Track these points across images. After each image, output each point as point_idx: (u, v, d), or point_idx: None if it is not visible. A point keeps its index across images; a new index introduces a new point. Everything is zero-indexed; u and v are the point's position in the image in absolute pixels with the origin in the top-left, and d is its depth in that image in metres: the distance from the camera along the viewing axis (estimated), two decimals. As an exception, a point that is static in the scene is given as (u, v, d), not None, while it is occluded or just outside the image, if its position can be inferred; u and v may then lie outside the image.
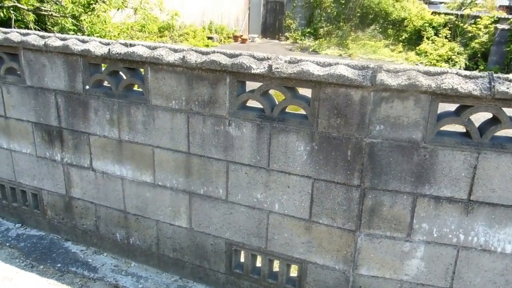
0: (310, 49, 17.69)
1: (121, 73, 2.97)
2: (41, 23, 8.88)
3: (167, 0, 10.62)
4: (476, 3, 18.86)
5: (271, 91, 2.64)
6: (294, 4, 20.52)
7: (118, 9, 8.39)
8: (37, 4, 8.37)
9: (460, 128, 2.40)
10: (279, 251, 2.80)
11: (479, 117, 2.33)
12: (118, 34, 8.47)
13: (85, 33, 8.34)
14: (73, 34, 8.34)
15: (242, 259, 3.02)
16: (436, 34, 16.30)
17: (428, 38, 16.21)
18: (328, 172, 2.52)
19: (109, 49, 2.80)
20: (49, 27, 8.91)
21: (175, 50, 2.69)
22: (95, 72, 3.00)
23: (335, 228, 2.61)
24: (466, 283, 2.47)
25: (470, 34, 15.17)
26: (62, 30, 8.53)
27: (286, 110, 2.63)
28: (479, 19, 15.22)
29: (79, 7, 7.94)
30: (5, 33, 3.14)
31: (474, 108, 2.23)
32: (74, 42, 2.90)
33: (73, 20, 8.12)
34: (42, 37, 3.03)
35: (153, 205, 3.09)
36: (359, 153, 2.42)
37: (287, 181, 2.64)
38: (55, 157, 3.35)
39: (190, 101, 2.72)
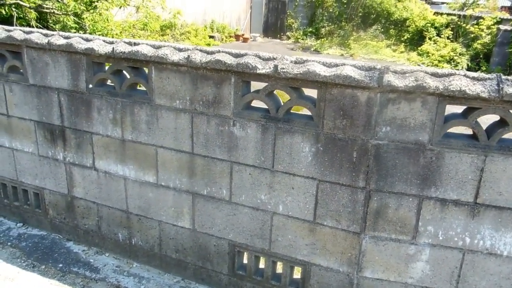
0: (312, 49, 17.66)
1: (124, 72, 2.95)
2: (43, 21, 8.86)
3: (169, -1, 10.60)
4: (478, 4, 18.82)
5: (275, 91, 2.62)
6: (296, 3, 20.47)
7: (120, 7, 8.37)
8: (39, 2, 8.35)
9: (466, 130, 2.38)
10: (283, 252, 2.78)
11: (485, 120, 2.31)
12: (120, 32, 8.44)
13: (87, 31, 8.32)
14: (75, 32, 8.32)
15: (245, 261, 3.00)
16: (438, 35, 16.26)
17: (430, 39, 16.17)
18: (333, 173, 2.50)
19: (113, 48, 2.78)
20: (51, 25, 8.89)
21: (180, 50, 2.66)
22: (98, 71, 2.98)
23: (340, 230, 2.59)
24: (471, 286, 2.45)
25: (472, 35, 15.13)
26: (64, 28, 8.52)
27: (291, 111, 2.61)
28: (481, 20, 15.18)
29: (81, 5, 7.92)
30: (8, 31, 3.11)
31: (482, 110, 2.21)
32: (77, 41, 2.88)
33: (75, 18, 8.10)
34: (46, 35, 3.00)
35: (156, 205, 3.07)
36: (365, 155, 2.40)
37: (291, 183, 2.62)
38: (57, 156, 3.33)
39: (194, 101, 2.70)
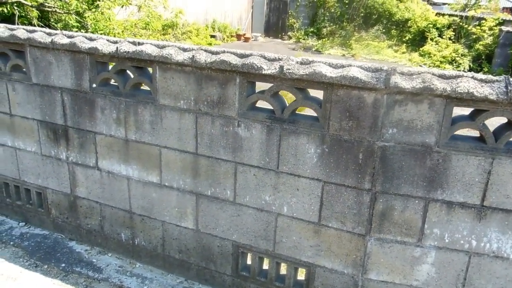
0: (313, 49, 17.63)
1: (128, 71, 2.93)
2: (45, 19, 8.84)
3: (170, -2, 10.57)
4: (480, 5, 18.79)
5: (280, 92, 2.60)
6: (298, 3, 20.45)
7: (122, 6, 8.35)
8: (41, 0, 8.33)
9: (472, 132, 2.37)
10: (287, 254, 2.76)
11: (493, 122, 2.29)
12: (122, 31, 8.42)
13: (89, 30, 8.30)
14: (76, 31, 8.30)
15: (249, 262, 2.98)
16: (440, 36, 16.23)
17: (432, 40, 16.15)
18: (339, 175, 2.49)
19: (117, 48, 2.76)
20: (53, 23, 8.87)
21: (184, 49, 2.65)
22: (102, 70, 2.96)
23: (345, 232, 2.58)
24: (477, 289, 2.44)
25: (474, 36, 15.10)
26: (66, 26, 8.50)
27: (297, 112, 2.60)
28: (483, 21, 15.15)
29: (83, 4, 7.90)
30: (12, 29, 3.10)
31: (490, 113, 2.19)
32: (81, 40, 2.86)
33: (77, 17, 8.08)
34: (49, 34, 2.99)
35: (159, 205, 3.06)
36: (371, 157, 2.39)
37: (296, 184, 2.60)
38: (60, 155, 3.31)
39: (198, 101, 2.68)
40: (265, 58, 2.48)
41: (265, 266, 2.97)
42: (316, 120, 2.47)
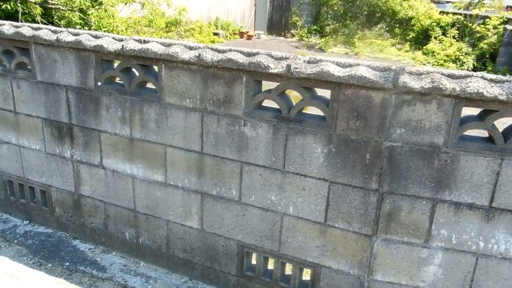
0: (316, 47, 17.57)
1: (134, 70, 2.91)
2: (48, 16, 8.83)
3: (174, -5, 10.54)
4: (483, 3, 18.68)
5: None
6: (301, 1, 20.38)
7: (126, 3, 8.33)
8: (45, -3, 8.31)
9: (480, 133, 2.34)
10: (292, 254, 2.75)
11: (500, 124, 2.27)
12: (126, 29, 8.41)
13: (92, 27, 8.29)
14: (80, 28, 8.29)
15: (253, 262, 2.97)
16: (443, 34, 16.14)
17: (435, 38, 16.06)
18: (346, 175, 2.47)
19: (122, 45, 2.75)
20: (56, 20, 8.86)
21: (191, 48, 2.63)
22: (107, 68, 2.95)
23: (351, 233, 2.56)
24: (485, 291, 2.42)
25: (478, 35, 15.02)
26: (69, 24, 8.49)
27: (303, 111, 2.57)
28: (487, 20, 15.06)
29: (86, 1, 7.89)
30: (17, 27, 3.08)
31: (499, 113, 2.17)
32: (86, 38, 2.85)
33: (80, 14, 8.07)
34: (54, 32, 2.97)
35: (164, 204, 3.04)
36: (378, 157, 2.37)
37: (302, 184, 2.59)
38: (64, 154, 3.30)
39: (204, 100, 2.67)
40: (272, 56, 2.46)
41: (270, 266, 2.96)
42: (323, 119, 2.45)
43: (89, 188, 3.30)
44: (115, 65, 2.97)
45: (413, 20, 17.66)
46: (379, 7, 18.17)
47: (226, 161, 2.74)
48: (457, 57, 14.66)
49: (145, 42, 2.74)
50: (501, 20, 14.75)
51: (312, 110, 2.55)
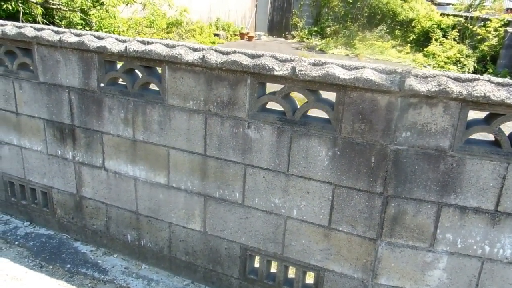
0: (317, 48, 17.55)
1: (137, 71, 2.90)
2: (49, 16, 8.81)
3: (175, -4, 10.53)
4: (484, 6, 18.69)
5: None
6: (302, 3, 20.37)
7: (127, 4, 8.32)
8: (46, -3, 8.30)
9: (485, 136, 2.33)
10: (296, 257, 2.73)
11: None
12: (127, 29, 8.39)
13: (93, 28, 8.28)
14: (81, 29, 8.28)
15: (256, 265, 2.95)
16: (444, 36, 16.14)
17: (436, 40, 16.06)
18: (350, 178, 2.45)
19: (126, 47, 2.73)
20: (57, 21, 8.85)
21: (195, 49, 2.61)
22: (110, 69, 2.93)
23: (355, 236, 2.54)
24: (490, 296, 2.40)
25: (479, 37, 15.02)
26: (70, 24, 8.47)
27: (308, 114, 2.56)
28: (488, 22, 15.07)
29: (88, 1, 7.87)
30: (19, 27, 3.06)
31: (506, 117, 2.15)
32: (89, 39, 2.83)
33: (81, 15, 8.05)
34: (57, 32, 2.96)
35: (166, 207, 3.02)
36: (383, 160, 2.35)
37: (306, 187, 2.57)
38: (66, 155, 3.28)
39: (208, 101, 2.65)
40: (276, 59, 2.44)
41: (273, 269, 2.94)
42: (328, 122, 2.44)
43: (91, 189, 3.28)
44: (118, 66, 2.95)
45: (413, 22, 17.66)
46: (380, 8, 18.16)
47: (229, 164, 2.72)
48: (457, 59, 14.66)
49: (148, 43, 2.72)
50: (502, 23, 14.75)
51: (317, 113, 2.54)
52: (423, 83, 2.17)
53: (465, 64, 14.29)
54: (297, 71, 2.34)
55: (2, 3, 7.67)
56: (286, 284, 2.85)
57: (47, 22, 8.43)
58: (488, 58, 14.44)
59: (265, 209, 2.72)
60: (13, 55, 3.22)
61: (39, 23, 8.10)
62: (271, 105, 2.63)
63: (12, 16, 7.91)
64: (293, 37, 20.50)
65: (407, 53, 16.68)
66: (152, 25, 9.12)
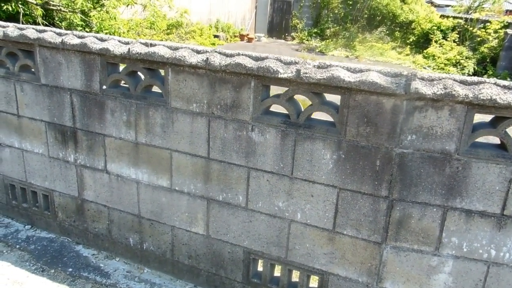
0: (317, 50, 17.55)
1: (139, 73, 2.88)
2: (49, 18, 8.81)
3: (175, -2, 10.51)
4: (483, 7, 18.73)
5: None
6: (301, 4, 20.38)
7: (128, 5, 8.31)
8: (46, -1, 8.30)
9: (491, 139, 2.32)
10: (300, 261, 2.71)
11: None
12: (128, 31, 8.37)
13: (93, 29, 8.27)
14: (81, 30, 8.26)
15: (260, 268, 2.93)
16: (444, 38, 16.16)
17: (436, 42, 16.07)
18: (355, 182, 2.43)
19: (128, 49, 2.71)
20: (57, 22, 8.84)
21: (198, 52, 2.59)
22: (112, 71, 2.91)
23: (360, 240, 2.52)
24: (496, 300, 2.38)
25: (479, 39, 15.03)
26: (70, 25, 8.47)
27: (312, 117, 2.54)
28: (488, 24, 15.08)
29: (88, 2, 7.86)
30: (21, 29, 3.05)
31: (512, 120, 2.14)
32: (92, 41, 2.81)
33: (82, 16, 8.04)
34: (59, 34, 2.94)
35: (169, 210, 3.00)
36: (389, 163, 2.33)
37: (311, 190, 2.55)
38: (68, 158, 3.26)
39: (211, 104, 2.63)
40: (281, 61, 2.43)
41: (277, 273, 2.92)
42: (333, 125, 2.42)
43: (93, 192, 3.26)
44: (121, 68, 2.93)
45: (413, 23, 17.68)
46: (380, 10, 18.18)
47: (233, 167, 2.70)
48: (457, 61, 14.67)
49: (151, 45, 2.71)
50: (502, 25, 14.77)
51: (321, 116, 2.52)
52: (429, 86, 2.16)
53: (465, 66, 14.31)
54: (301, 73, 2.33)
55: (2, 4, 7.66)
56: (290, 288, 2.83)
57: (47, 23, 8.42)
58: (488, 60, 14.45)
59: (268, 213, 2.70)
60: (14, 57, 3.21)
61: (39, 24, 8.09)
62: (275, 107, 2.61)
63: (12, 17, 7.90)
64: (293, 38, 20.51)
65: (407, 54, 16.69)
66: (153, 26, 9.10)
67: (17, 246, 3.37)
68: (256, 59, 2.47)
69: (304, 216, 2.61)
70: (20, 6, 7.90)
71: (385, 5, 17.98)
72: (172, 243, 3.08)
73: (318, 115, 2.52)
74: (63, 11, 8.24)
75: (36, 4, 8.03)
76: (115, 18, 8.00)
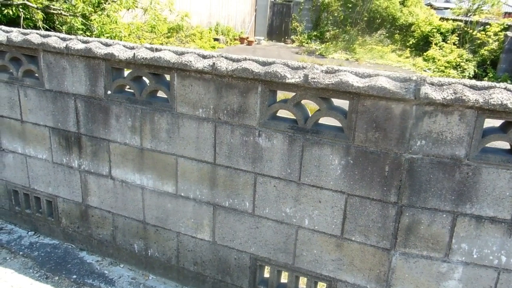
0: (317, 53, 17.57)
1: (144, 78, 2.86)
2: (50, 21, 8.79)
3: (175, 1, 10.51)
4: (482, 10, 18.77)
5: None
6: (301, 7, 20.42)
7: (129, 9, 8.29)
8: (47, 3, 8.28)
9: (498, 144, 2.30)
10: (307, 268, 2.68)
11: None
12: (129, 34, 8.36)
13: (94, 33, 8.25)
14: (81, 34, 8.24)
15: (266, 275, 2.90)
16: (444, 40, 16.19)
17: (436, 44, 16.09)
18: (363, 187, 2.41)
19: (134, 54, 2.69)
20: (58, 26, 8.82)
21: (204, 56, 2.57)
22: (117, 76, 2.89)
23: (369, 246, 2.50)
24: (507, 307, 2.36)
25: (479, 41, 15.06)
26: (71, 29, 8.45)
27: (319, 122, 2.52)
28: (488, 26, 15.10)
29: (89, 6, 7.84)
30: (25, 34, 3.02)
31: (523, 125, 2.12)
32: (97, 45, 2.79)
33: (82, 20, 8.02)
34: (63, 39, 2.92)
35: (174, 216, 2.98)
36: (398, 169, 2.31)
37: (318, 196, 2.53)
38: (72, 163, 3.23)
39: (218, 109, 2.61)
40: (288, 66, 2.41)
41: (284, 279, 2.89)
42: (341, 130, 2.40)
43: (97, 198, 3.23)
44: (126, 73, 2.91)
45: (413, 26, 17.72)
46: (379, 13, 18.21)
47: (239, 172, 2.68)
48: (458, 63, 14.68)
49: (157, 50, 2.69)
50: (502, 27, 14.79)
51: (328, 121, 2.50)
52: (439, 91, 2.14)
53: (465, 69, 14.32)
54: (309, 78, 2.31)
55: (3, 8, 7.64)
56: (297, 295, 2.81)
57: (48, 27, 8.41)
58: (488, 63, 14.47)
59: (275, 219, 2.67)
60: (18, 62, 3.18)
61: (39, 28, 8.07)
62: (281, 113, 2.59)
63: (13, 21, 7.88)
64: (293, 41, 20.53)
65: (407, 57, 16.71)
66: (154, 30, 9.09)
67: (20, 253, 3.33)
68: (263, 64, 2.45)
69: (312, 222, 2.59)
70: (20, 10, 7.88)
71: (385, 8, 18.03)
72: (178, 250, 3.05)
73: (326, 120, 2.50)
74: (64, 15, 8.23)
75: (37, 8, 8.01)
76: (116, 22, 7.98)
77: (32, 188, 3.50)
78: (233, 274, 2.92)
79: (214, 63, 2.50)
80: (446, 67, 14.67)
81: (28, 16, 8.19)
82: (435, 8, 21.82)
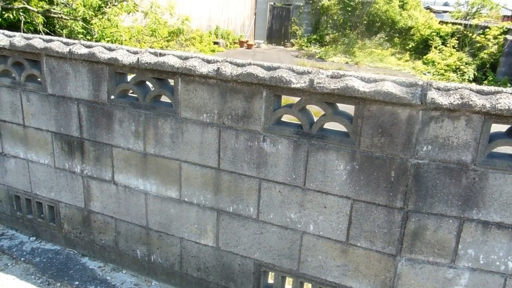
0: (316, 56, 17.59)
1: (148, 83, 2.84)
2: (50, 25, 8.80)
3: (175, 5, 10.51)
4: (481, 13, 18.83)
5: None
6: (301, 11, 20.46)
7: (129, 13, 8.29)
8: (47, 7, 8.29)
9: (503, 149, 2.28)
10: (312, 273, 2.66)
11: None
12: (129, 38, 8.35)
13: (95, 37, 8.25)
14: (82, 38, 8.23)
15: (270, 281, 2.88)
16: (443, 44, 16.22)
17: (435, 48, 16.13)
18: (369, 193, 2.39)
19: (138, 58, 2.68)
20: (58, 29, 8.83)
21: (209, 61, 2.56)
22: (121, 81, 2.88)
23: (374, 252, 2.48)
24: (514, 313, 2.34)
25: (478, 45, 15.09)
26: (71, 33, 8.45)
27: (325, 127, 2.51)
28: (487, 30, 15.14)
29: (90, 10, 7.84)
30: (27, 39, 3.01)
31: (530, 130, 2.11)
32: (100, 50, 2.78)
33: (83, 24, 8.02)
34: (67, 44, 2.90)
35: (177, 222, 2.96)
36: (404, 174, 2.30)
37: (324, 201, 2.51)
38: (74, 168, 3.21)
39: (222, 114, 2.60)
40: (293, 71, 2.40)
41: (288, 285, 2.87)
42: (346, 136, 2.39)
43: (100, 204, 3.21)
44: (129, 78, 2.90)
45: (412, 29, 17.76)
46: (379, 16, 18.26)
47: (244, 178, 2.66)
48: (457, 66, 14.71)
49: (161, 55, 2.67)
50: (501, 30, 14.83)
51: (334, 126, 2.49)
52: (445, 96, 2.13)
53: (465, 72, 14.34)
54: (315, 83, 2.30)
55: (4, 12, 7.64)
56: (302, 301, 2.78)
57: (48, 31, 8.41)
58: (488, 66, 14.50)
59: (280, 224, 2.66)
60: (20, 66, 3.17)
61: (40, 32, 8.07)
62: (286, 118, 2.58)
63: (13, 25, 7.88)
64: (292, 45, 20.56)
65: (406, 60, 16.74)
66: (154, 34, 9.08)
67: (22, 259, 3.30)
68: (268, 68, 2.44)
69: (317, 228, 2.57)
70: (21, 14, 7.89)
71: (384, 11, 18.07)
72: (181, 255, 3.03)
73: (331, 125, 2.49)
74: (65, 19, 8.23)
75: (38, 12, 8.01)
76: (117, 26, 7.98)
77: (34, 193, 3.48)
78: (237, 280, 2.90)
79: (218, 68, 2.48)
80: (445, 71, 14.69)
81: (29, 20, 8.19)
82: (434, 12, 21.91)
